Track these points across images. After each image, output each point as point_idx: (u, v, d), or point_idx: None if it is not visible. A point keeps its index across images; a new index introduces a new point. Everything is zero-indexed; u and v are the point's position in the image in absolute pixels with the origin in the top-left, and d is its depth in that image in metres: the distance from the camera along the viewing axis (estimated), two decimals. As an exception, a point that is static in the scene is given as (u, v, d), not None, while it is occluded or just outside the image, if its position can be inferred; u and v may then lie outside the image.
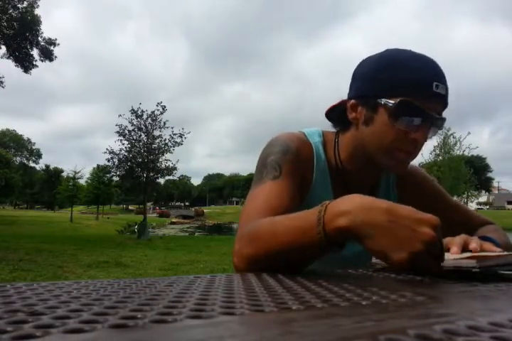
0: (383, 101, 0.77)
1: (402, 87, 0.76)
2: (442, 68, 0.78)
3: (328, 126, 0.96)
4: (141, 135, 16.37)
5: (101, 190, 30.81)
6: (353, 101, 0.84)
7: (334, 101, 0.92)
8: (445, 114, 0.81)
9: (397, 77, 0.77)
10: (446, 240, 0.68)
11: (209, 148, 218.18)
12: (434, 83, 0.75)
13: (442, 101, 0.78)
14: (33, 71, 19.08)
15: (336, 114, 0.91)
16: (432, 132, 0.81)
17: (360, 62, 0.86)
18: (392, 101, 0.76)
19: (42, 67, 19.23)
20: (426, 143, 0.82)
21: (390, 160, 0.81)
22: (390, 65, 0.78)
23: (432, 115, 0.76)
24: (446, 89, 0.78)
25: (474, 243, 0.66)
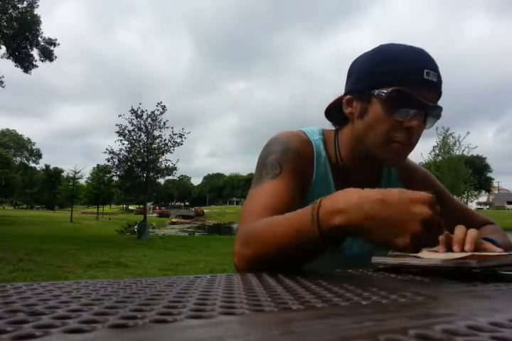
0: (376, 92, 0.78)
1: (393, 77, 0.77)
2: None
3: (329, 125, 0.96)
4: (141, 135, 16.39)
5: (101, 190, 30.81)
6: (348, 96, 0.85)
7: (333, 98, 0.92)
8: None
9: (388, 69, 0.77)
10: (443, 236, 0.68)
11: (210, 148, 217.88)
12: (425, 70, 0.75)
13: (435, 88, 0.78)
14: (34, 69, 19.09)
15: (334, 111, 0.91)
16: (429, 122, 0.81)
17: (354, 60, 0.87)
18: (385, 91, 0.77)
19: (42, 65, 19.24)
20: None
21: (386, 152, 0.81)
22: (381, 58, 0.79)
23: (424, 103, 0.76)
24: (439, 77, 0.78)
25: (469, 244, 0.66)
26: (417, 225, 0.52)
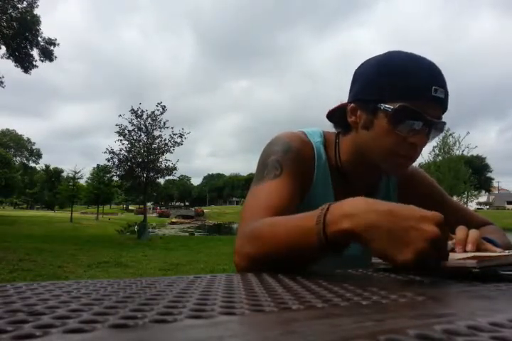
0: (382, 106, 0.77)
1: (401, 92, 0.76)
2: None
3: (330, 127, 0.96)
4: (141, 135, 16.42)
5: (101, 190, 30.82)
6: (352, 104, 0.84)
7: (337, 102, 0.92)
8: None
9: (396, 82, 0.76)
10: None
11: (211, 148, 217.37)
12: (433, 87, 0.75)
13: (441, 105, 0.78)
14: (34, 69, 19.10)
15: (337, 116, 0.91)
16: (432, 135, 0.81)
17: (360, 65, 0.86)
18: (391, 107, 0.76)
19: (42, 65, 19.25)
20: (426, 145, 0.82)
21: (388, 165, 0.82)
22: (389, 69, 0.78)
23: (430, 120, 0.76)
24: (446, 92, 0.77)
25: (471, 244, 0.66)
26: (424, 243, 0.51)
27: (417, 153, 0.81)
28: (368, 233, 0.53)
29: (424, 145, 0.80)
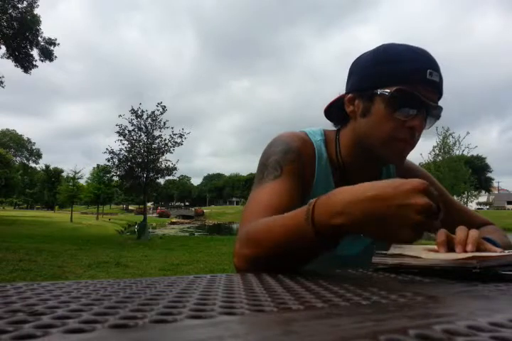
0: (379, 91, 0.79)
1: (396, 77, 0.78)
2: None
3: (332, 126, 0.96)
4: (141, 135, 16.39)
5: (101, 190, 30.80)
6: (350, 95, 0.85)
7: (334, 97, 0.92)
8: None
9: (391, 68, 0.78)
10: (444, 237, 0.68)
11: (211, 148, 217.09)
12: (428, 70, 0.76)
13: (436, 88, 0.79)
14: (34, 69, 19.09)
15: (335, 110, 0.91)
16: (429, 122, 0.82)
17: (356, 58, 0.88)
18: (388, 90, 0.78)
19: (43, 64, 19.24)
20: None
21: (388, 151, 0.82)
22: (384, 57, 0.80)
23: (427, 102, 0.77)
24: (440, 77, 0.79)
25: (471, 244, 0.66)
26: (416, 216, 0.51)
27: (415, 137, 0.81)
28: (359, 225, 0.54)
29: (421, 129, 0.80)
